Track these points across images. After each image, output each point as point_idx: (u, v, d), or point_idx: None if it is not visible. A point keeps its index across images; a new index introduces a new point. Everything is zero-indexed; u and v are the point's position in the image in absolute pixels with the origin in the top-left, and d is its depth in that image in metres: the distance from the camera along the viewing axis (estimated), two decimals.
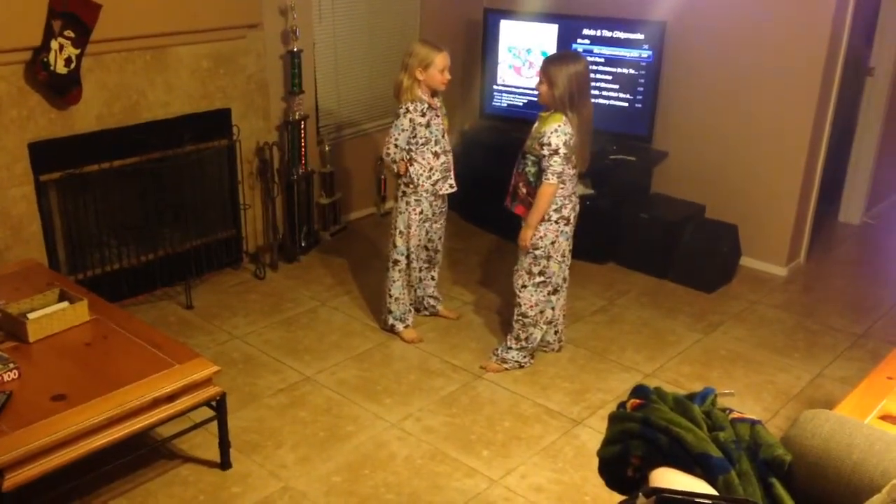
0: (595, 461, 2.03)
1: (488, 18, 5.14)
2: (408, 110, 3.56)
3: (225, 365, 3.55)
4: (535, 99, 3.49)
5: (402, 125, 3.58)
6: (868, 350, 3.92)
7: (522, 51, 5.05)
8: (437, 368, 3.68)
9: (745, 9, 4.45)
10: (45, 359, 2.84)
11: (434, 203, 3.75)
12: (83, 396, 2.59)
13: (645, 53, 4.63)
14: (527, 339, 3.62)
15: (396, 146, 3.61)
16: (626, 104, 4.77)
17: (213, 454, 2.99)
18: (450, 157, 3.73)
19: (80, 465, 2.53)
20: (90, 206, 3.89)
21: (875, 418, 2.55)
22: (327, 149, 4.92)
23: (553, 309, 3.65)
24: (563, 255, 3.53)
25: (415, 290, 3.98)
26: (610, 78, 4.77)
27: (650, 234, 4.66)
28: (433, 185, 3.69)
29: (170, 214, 4.23)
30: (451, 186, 3.76)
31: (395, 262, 3.81)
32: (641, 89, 4.70)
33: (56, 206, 3.82)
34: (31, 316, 2.92)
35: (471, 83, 5.53)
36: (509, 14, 5.10)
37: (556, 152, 3.28)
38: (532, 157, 3.38)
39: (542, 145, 3.31)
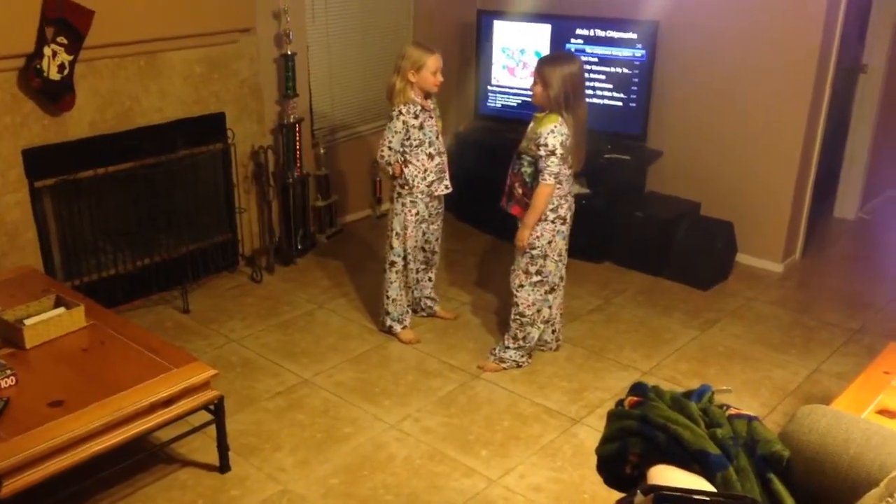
0: (593, 459, 2.03)
1: (482, 19, 5.14)
2: (401, 112, 3.57)
3: (222, 368, 3.55)
4: (530, 99, 3.49)
5: (396, 127, 3.58)
6: (864, 345, 3.93)
7: (516, 51, 5.05)
8: (435, 369, 3.68)
9: (738, 7, 4.46)
10: (42, 365, 2.83)
11: (430, 204, 3.76)
12: (81, 402, 2.58)
13: (638, 53, 4.64)
14: (524, 338, 3.62)
15: (390, 148, 3.62)
16: (619, 103, 4.77)
17: (212, 458, 2.99)
18: (444, 158, 3.73)
19: (78, 470, 2.52)
20: (85, 211, 3.88)
21: (872, 413, 2.56)
22: (322, 151, 4.92)
23: (550, 308, 3.66)
24: (559, 255, 3.54)
25: (412, 292, 3.98)
26: (604, 77, 4.78)
27: (646, 232, 4.67)
28: (428, 186, 3.69)
29: (165, 219, 4.23)
30: (446, 187, 3.77)
31: (392, 263, 3.81)
32: (635, 88, 4.71)
33: (51, 213, 3.81)
34: (27, 322, 2.92)
35: (465, 84, 5.53)
36: (502, 15, 5.11)
37: (552, 153, 3.29)
38: (528, 158, 3.38)
39: (538, 146, 3.31)
